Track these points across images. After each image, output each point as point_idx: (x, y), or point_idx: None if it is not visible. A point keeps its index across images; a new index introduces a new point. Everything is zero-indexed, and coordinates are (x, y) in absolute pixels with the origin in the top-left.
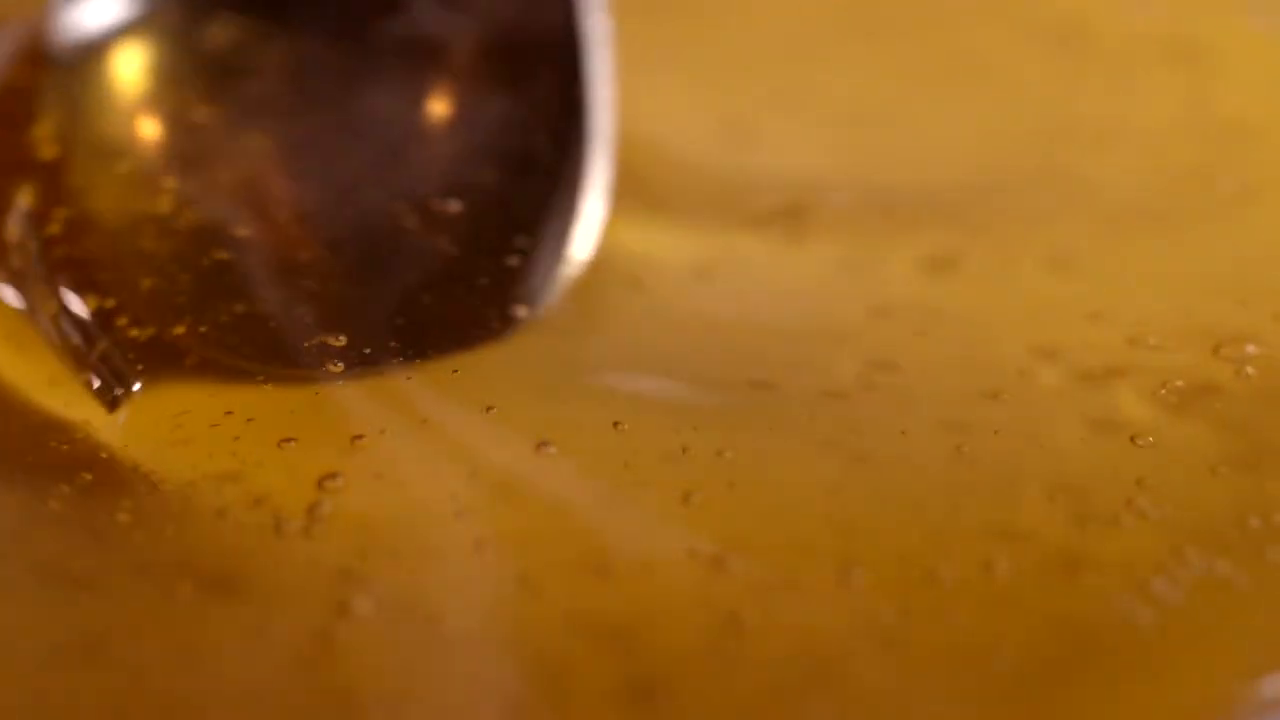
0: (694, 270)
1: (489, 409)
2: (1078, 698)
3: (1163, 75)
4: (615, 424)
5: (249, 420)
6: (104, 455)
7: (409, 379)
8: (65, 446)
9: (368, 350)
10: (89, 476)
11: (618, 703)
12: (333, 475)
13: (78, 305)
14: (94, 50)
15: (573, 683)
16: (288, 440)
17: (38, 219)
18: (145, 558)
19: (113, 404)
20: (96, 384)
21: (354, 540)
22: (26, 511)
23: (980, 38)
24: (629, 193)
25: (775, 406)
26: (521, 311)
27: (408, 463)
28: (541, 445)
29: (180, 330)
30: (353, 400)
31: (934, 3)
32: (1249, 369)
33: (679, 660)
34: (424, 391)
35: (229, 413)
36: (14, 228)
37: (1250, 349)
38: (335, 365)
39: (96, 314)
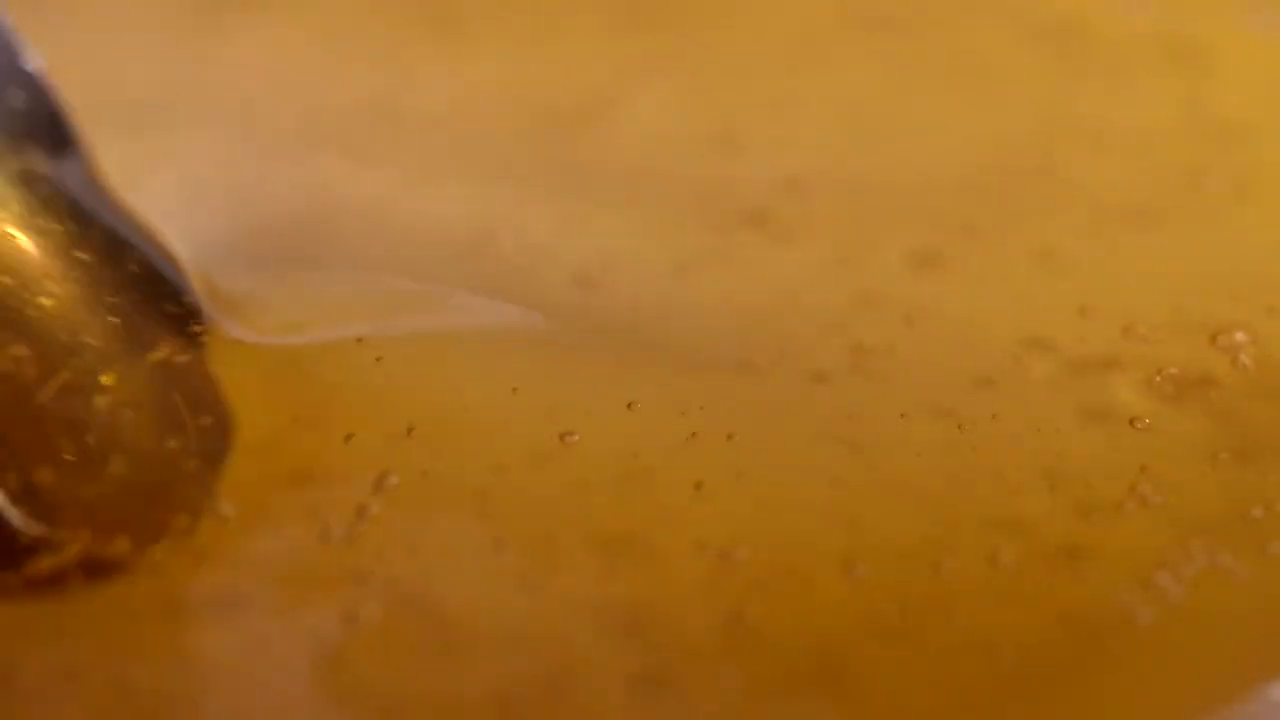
0: (677, 265)
1: (515, 390)
2: (1080, 693)
3: (1160, 75)
4: (629, 405)
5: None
6: None
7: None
8: None
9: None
10: None
11: (624, 694)
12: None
13: None
14: None
15: (580, 674)
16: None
17: None
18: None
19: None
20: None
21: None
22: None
23: (977, 37)
24: (610, 185)
25: (765, 391)
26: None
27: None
28: (566, 435)
29: None
30: None
31: (931, 1)
32: (1244, 359)
33: (685, 652)
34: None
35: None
36: None
37: (1243, 339)
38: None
39: None
